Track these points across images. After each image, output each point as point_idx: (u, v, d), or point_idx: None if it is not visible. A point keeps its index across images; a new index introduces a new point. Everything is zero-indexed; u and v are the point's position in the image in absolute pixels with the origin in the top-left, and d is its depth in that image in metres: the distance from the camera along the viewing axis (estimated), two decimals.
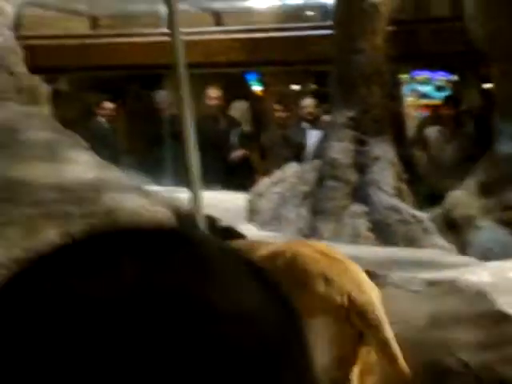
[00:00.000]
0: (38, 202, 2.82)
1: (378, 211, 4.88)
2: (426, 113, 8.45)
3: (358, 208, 5.00)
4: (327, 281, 2.37)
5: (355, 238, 4.85)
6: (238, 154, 7.09)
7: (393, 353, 2.27)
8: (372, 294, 2.40)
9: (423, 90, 8.80)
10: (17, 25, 6.92)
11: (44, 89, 8.43)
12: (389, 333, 2.31)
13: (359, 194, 5.09)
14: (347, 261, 2.54)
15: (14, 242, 2.65)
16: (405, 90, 8.26)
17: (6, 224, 2.68)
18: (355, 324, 2.33)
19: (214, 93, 7.01)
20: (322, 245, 2.89)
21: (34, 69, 6.40)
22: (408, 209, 4.85)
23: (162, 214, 3.00)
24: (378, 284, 3.33)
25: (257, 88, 9.03)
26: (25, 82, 3.88)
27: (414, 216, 4.76)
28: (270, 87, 8.75)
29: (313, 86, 8.78)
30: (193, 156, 1.69)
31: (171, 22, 1.49)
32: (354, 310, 2.32)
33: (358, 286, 2.39)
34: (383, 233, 4.78)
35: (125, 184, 3.18)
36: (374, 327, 2.31)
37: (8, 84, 3.77)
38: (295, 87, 8.87)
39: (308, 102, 7.02)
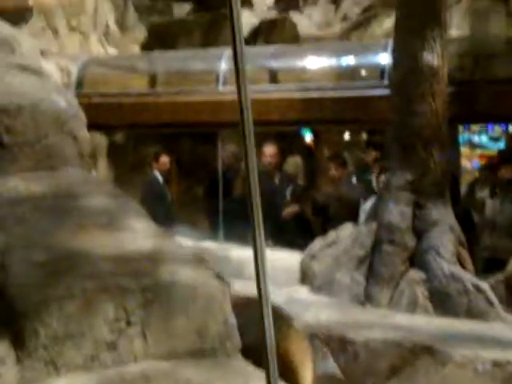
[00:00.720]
0: (96, 274, 2.80)
1: (437, 279, 4.72)
2: (479, 162, 8.34)
3: (415, 275, 4.85)
4: None
5: (412, 307, 4.69)
6: (289, 210, 7.05)
7: None
8: None
9: (478, 140, 8.69)
10: (79, 83, 7.17)
11: (103, 143, 8.66)
12: None
13: (417, 259, 4.95)
14: None
15: (71, 316, 2.63)
16: (459, 139, 8.17)
17: (65, 297, 2.67)
18: None
19: (270, 150, 7.04)
20: None
21: (94, 125, 6.58)
22: (469, 277, 4.67)
23: (216, 288, 2.95)
24: (438, 362, 3.18)
25: (309, 139, 9.03)
26: (86, 147, 3.94)
27: (475, 286, 4.57)
28: (322, 139, 8.74)
29: (365, 136, 8.74)
30: (257, 213, 1.64)
31: (239, 79, 1.47)
32: None
33: None
34: (442, 303, 4.61)
35: (180, 255, 3.15)
36: None
37: (70, 149, 3.82)
38: (347, 137, 8.87)
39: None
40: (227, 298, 3.00)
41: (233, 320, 2.96)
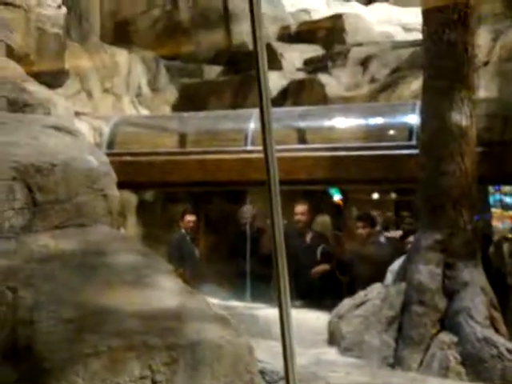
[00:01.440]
0: (122, 332, 2.80)
1: (469, 343, 4.60)
2: (511, 223, 8.23)
3: (446, 337, 4.73)
4: None
5: (444, 371, 4.56)
6: (317, 269, 7.00)
7: None
8: None
9: (509, 200, 8.60)
10: (110, 142, 7.33)
11: (133, 201, 8.77)
12: None
13: (448, 322, 4.84)
14: None
15: (97, 374, 2.62)
16: (490, 200, 8.09)
17: (91, 355, 2.67)
18: None
19: (300, 208, 7.07)
20: None
21: (124, 184, 6.70)
22: (503, 342, 4.54)
23: (242, 347, 2.92)
24: None
25: (338, 198, 9.03)
26: (115, 205, 4.00)
27: (510, 350, 4.44)
28: (351, 198, 8.73)
29: (394, 196, 8.71)
30: (283, 274, 1.64)
31: (265, 138, 1.48)
32: None
33: None
34: (475, 367, 4.48)
35: (207, 313, 3.14)
36: None
37: (100, 207, 3.89)
38: (376, 196, 8.85)
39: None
40: (253, 357, 2.96)
41: (259, 380, 2.92)
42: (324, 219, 8.05)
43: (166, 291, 3.25)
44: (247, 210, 7.60)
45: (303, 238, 7.19)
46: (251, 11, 1.46)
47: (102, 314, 2.91)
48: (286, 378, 1.53)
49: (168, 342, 2.84)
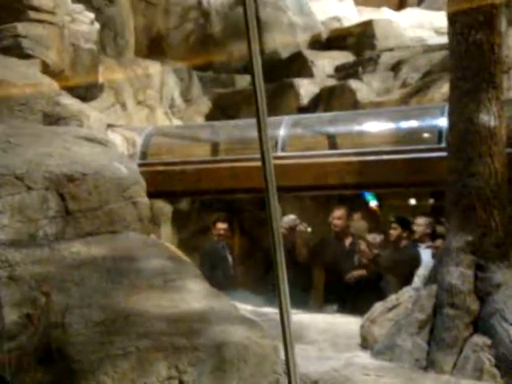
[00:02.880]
0: (149, 334, 2.88)
1: (503, 345, 4.54)
2: None
3: (480, 340, 4.68)
4: None
5: (478, 374, 4.51)
6: (353, 274, 6.99)
7: None
8: None
9: None
10: (143, 152, 7.47)
11: (168, 210, 8.90)
12: None
13: (481, 324, 4.79)
14: None
15: (126, 374, 2.70)
16: None
17: (118, 356, 2.75)
18: None
19: (337, 213, 7.09)
20: None
21: (157, 193, 6.84)
22: None
23: (268, 348, 2.97)
24: None
25: (373, 204, 9.00)
26: (145, 212, 4.11)
27: None
28: (386, 203, 8.69)
29: (431, 201, 8.64)
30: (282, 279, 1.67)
31: (262, 146, 1.51)
32: None
33: None
34: (510, 369, 4.42)
35: (233, 315, 3.20)
36: None
37: (131, 214, 4.00)
38: (412, 202, 8.79)
39: (422, 221, 6.87)
40: (279, 358, 3.01)
41: (284, 380, 2.96)
42: (360, 224, 8.04)
43: (193, 294, 3.33)
44: (283, 218, 7.64)
45: (342, 243, 7.19)
46: (246, 25, 1.52)
47: (131, 316, 3.00)
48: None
49: (195, 343, 2.91)
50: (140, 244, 3.84)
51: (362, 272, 6.97)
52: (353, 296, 6.91)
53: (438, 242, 6.32)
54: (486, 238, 5.05)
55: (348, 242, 7.22)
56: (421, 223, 6.85)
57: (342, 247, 7.17)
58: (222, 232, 7.46)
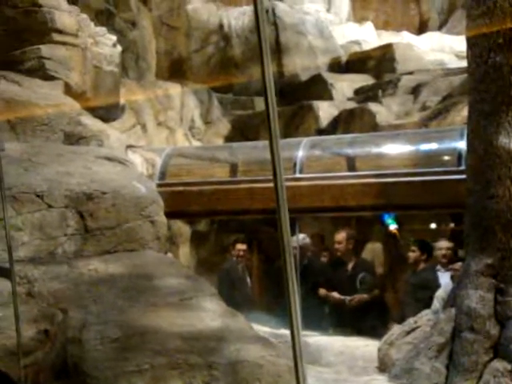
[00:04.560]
0: (165, 351, 2.90)
1: None
2: None
3: (500, 365, 4.61)
4: None
5: None
6: (356, 298, 6.92)
7: None
8: None
9: None
10: (162, 173, 7.54)
11: (186, 230, 8.94)
12: None
13: (501, 349, 4.72)
14: None
15: None
16: None
17: (134, 373, 2.76)
18: None
19: (338, 237, 7.06)
20: None
21: (176, 213, 6.87)
22: None
23: (282, 367, 2.96)
24: None
25: (393, 227, 8.95)
26: (163, 231, 4.14)
27: None
28: (405, 227, 8.64)
29: (451, 225, 8.57)
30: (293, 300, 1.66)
31: (274, 165, 1.51)
32: None
33: None
34: None
35: (248, 334, 3.20)
36: None
37: (148, 232, 4.04)
38: (433, 226, 8.72)
39: (443, 245, 6.83)
40: (293, 377, 2.99)
41: None
42: (374, 247, 7.99)
43: (208, 313, 3.34)
44: (297, 239, 7.63)
45: (345, 267, 7.15)
46: (260, 48, 1.54)
47: (146, 333, 3.02)
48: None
49: (209, 360, 2.91)
50: (157, 262, 3.86)
51: (362, 297, 6.92)
52: (354, 320, 6.88)
53: (458, 265, 6.26)
54: (506, 261, 4.99)
55: (351, 265, 7.17)
56: (442, 247, 6.80)
57: (345, 271, 7.12)
58: (241, 253, 7.47)
